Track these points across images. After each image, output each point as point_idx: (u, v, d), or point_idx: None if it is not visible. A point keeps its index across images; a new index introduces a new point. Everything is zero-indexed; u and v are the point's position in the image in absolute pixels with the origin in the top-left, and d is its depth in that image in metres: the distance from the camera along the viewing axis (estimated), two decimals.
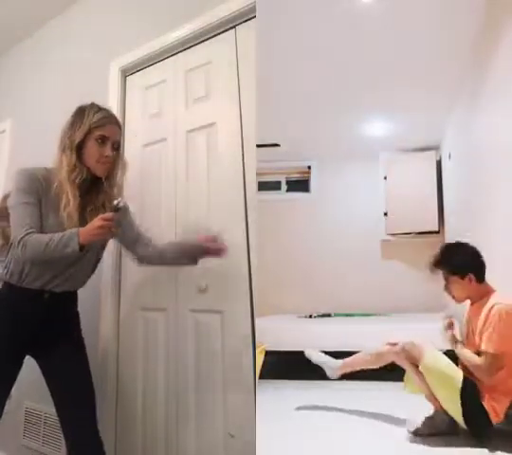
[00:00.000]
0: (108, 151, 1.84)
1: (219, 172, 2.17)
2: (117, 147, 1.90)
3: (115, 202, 1.74)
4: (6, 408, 1.83)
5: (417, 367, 2.22)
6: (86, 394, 1.88)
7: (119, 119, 2.52)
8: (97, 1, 3.00)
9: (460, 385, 2.07)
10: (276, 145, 5.08)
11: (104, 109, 1.88)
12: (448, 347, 2.29)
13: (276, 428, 2.31)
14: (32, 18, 3.30)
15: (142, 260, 2.08)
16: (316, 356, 2.78)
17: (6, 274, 1.86)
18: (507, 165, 2.36)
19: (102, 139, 1.83)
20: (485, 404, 2.05)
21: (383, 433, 2.24)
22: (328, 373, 2.68)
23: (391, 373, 2.56)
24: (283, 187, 5.84)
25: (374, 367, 2.58)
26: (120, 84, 2.64)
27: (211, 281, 2.11)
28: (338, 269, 5.39)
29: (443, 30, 2.95)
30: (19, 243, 1.71)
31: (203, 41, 2.33)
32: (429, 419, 2.19)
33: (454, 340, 2.24)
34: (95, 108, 1.86)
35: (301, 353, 3.60)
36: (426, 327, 3.56)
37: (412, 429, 2.19)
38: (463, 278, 2.21)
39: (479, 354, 2.10)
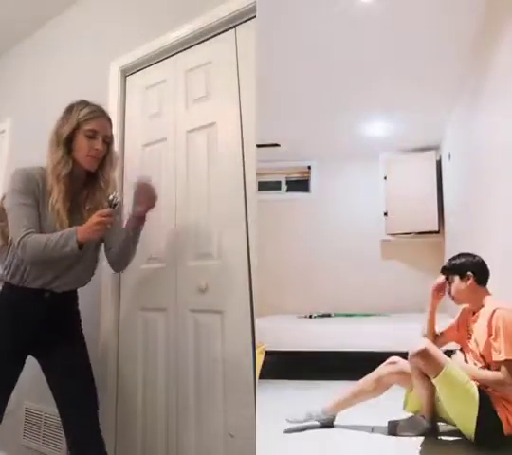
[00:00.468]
0: (98, 144, 1.85)
1: (219, 173, 2.17)
2: (109, 141, 1.90)
3: (110, 197, 1.75)
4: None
5: (427, 378, 2.12)
6: (88, 394, 1.88)
7: (118, 118, 2.55)
8: (97, 1, 3.00)
9: (477, 398, 1.99)
10: (276, 145, 5.09)
11: (93, 105, 1.89)
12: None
13: (276, 428, 2.31)
14: (32, 18, 3.30)
15: (113, 265, 2.04)
16: (303, 417, 2.36)
17: (6, 274, 1.86)
18: (507, 165, 2.36)
19: (92, 133, 1.84)
20: (499, 414, 1.99)
21: (383, 433, 2.24)
22: (322, 423, 2.35)
23: None
24: (283, 187, 5.84)
25: (375, 397, 2.34)
26: (120, 84, 2.64)
27: (211, 281, 2.11)
28: (338, 269, 5.39)
29: (443, 30, 2.95)
30: (18, 244, 1.71)
31: (203, 41, 2.33)
32: (407, 420, 2.18)
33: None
34: (83, 104, 1.87)
35: (302, 353, 3.61)
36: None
37: (393, 431, 2.18)
38: (462, 277, 2.22)
39: (485, 364, 2.08)
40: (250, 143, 2.09)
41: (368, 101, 4.09)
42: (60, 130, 1.84)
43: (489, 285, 2.29)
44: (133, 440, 2.27)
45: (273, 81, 3.60)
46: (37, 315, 1.85)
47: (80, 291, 2.02)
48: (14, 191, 1.78)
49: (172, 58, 2.46)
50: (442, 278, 2.34)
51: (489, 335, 2.04)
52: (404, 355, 2.25)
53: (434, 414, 2.20)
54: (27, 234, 1.71)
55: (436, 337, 2.35)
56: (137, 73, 2.63)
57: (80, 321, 2.01)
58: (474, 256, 2.27)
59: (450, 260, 2.32)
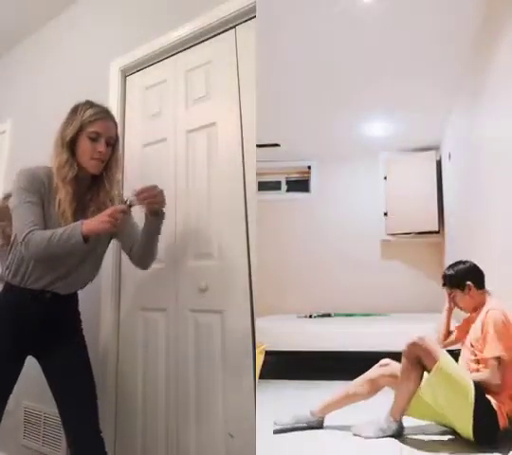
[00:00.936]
0: (101, 147, 1.82)
1: (219, 173, 2.17)
2: (113, 143, 1.88)
3: (126, 199, 1.74)
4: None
5: (423, 369, 2.15)
6: (88, 394, 1.88)
7: (118, 118, 2.55)
8: (97, 1, 3.00)
9: (473, 391, 2.01)
10: (276, 145, 5.08)
11: (98, 105, 1.86)
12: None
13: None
14: (32, 18, 3.30)
15: (140, 262, 2.04)
16: (291, 421, 2.33)
17: (8, 275, 1.85)
18: (507, 165, 2.36)
19: (95, 136, 1.81)
20: (495, 407, 2.02)
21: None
22: (311, 425, 2.33)
23: None
24: (283, 187, 5.84)
25: (365, 399, 2.33)
26: (120, 84, 2.64)
27: (211, 281, 2.11)
28: (338, 269, 5.39)
29: (443, 30, 2.95)
30: (23, 241, 1.69)
31: (203, 41, 2.33)
32: (376, 423, 2.18)
33: None
34: (87, 105, 1.84)
35: (302, 353, 3.61)
36: (426, 327, 3.57)
37: (358, 432, 2.18)
38: (463, 289, 2.28)
39: (477, 361, 2.13)
40: (250, 143, 2.09)
41: (368, 101, 4.09)
42: (64, 132, 1.82)
43: (489, 285, 2.31)
44: (133, 440, 2.27)
45: (273, 81, 3.60)
46: (38, 315, 1.85)
47: (80, 291, 2.01)
48: (20, 189, 1.77)
49: (172, 58, 2.46)
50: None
51: (481, 333, 2.12)
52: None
53: (402, 415, 2.20)
54: (31, 231, 1.69)
55: (447, 337, 2.41)
56: (137, 73, 2.63)
57: (80, 322, 2.01)
58: (465, 263, 2.34)
59: (445, 274, 2.37)
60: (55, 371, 1.90)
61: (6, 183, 3.21)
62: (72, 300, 1.98)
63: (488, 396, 2.04)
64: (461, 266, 2.32)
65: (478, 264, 2.34)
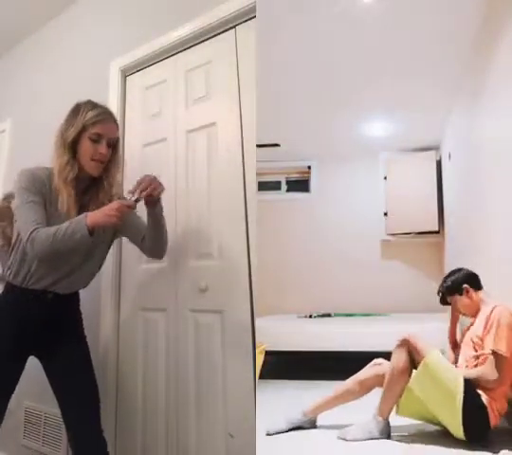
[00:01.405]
0: (103, 148, 1.82)
1: (219, 173, 2.17)
2: (114, 144, 1.88)
3: (134, 197, 1.74)
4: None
5: (413, 366, 2.17)
6: (90, 394, 1.88)
7: (118, 118, 2.54)
8: (97, 1, 3.00)
9: (462, 388, 2.02)
10: (276, 145, 5.08)
11: (100, 106, 1.86)
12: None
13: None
14: (32, 18, 3.30)
15: (153, 253, 2.04)
16: (284, 425, 2.31)
17: (9, 275, 1.85)
18: (507, 165, 2.36)
19: (97, 137, 1.81)
20: (487, 404, 2.03)
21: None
22: (304, 426, 2.32)
23: None
24: (283, 187, 5.84)
25: (357, 398, 2.34)
26: (120, 84, 2.64)
27: (211, 281, 2.11)
28: (338, 269, 5.39)
29: (443, 30, 2.95)
30: (27, 239, 1.68)
31: (203, 41, 2.33)
32: (362, 425, 2.18)
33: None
34: (89, 106, 1.83)
35: (302, 353, 3.61)
36: (426, 327, 3.57)
37: (343, 435, 2.17)
38: (461, 293, 2.31)
39: (477, 357, 2.13)
40: (250, 143, 2.09)
41: (368, 101, 4.09)
42: (65, 133, 1.81)
43: (489, 286, 2.32)
44: (133, 440, 2.27)
45: (273, 82, 3.60)
46: (39, 316, 1.85)
47: (80, 291, 2.01)
48: (21, 189, 1.76)
49: (172, 58, 2.46)
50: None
51: (484, 328, 2.12)
52: None
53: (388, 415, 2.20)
54: (36, 229, 1.68)
55: (456, 345, 2.43)
56: (137, 73, 2.63)
57: (82, 322, 2.01)
58: (460, 270, 2.39)
59: (443, 284, 2.40)
60: (57, 370, 1.90)
61: (5, 183, 3.21)
62: (74, 299, 1.98)
63: (481, 393, 2.04)
64: (455, 275, 2.36)
65: (478, 265, 2.38)
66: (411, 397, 2.19)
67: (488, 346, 2.07)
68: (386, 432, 2.16)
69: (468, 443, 2.01)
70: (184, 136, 2.33)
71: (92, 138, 1.80)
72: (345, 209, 5.55)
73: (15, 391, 1.86)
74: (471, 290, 2.29)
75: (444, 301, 2.41)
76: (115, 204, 1.69)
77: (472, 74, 3.19)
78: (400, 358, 2.18)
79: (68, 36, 3.15)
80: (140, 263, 2.39)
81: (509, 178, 2.33)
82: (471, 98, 3.22)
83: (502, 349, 2.02)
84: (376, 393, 2.28)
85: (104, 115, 1.84)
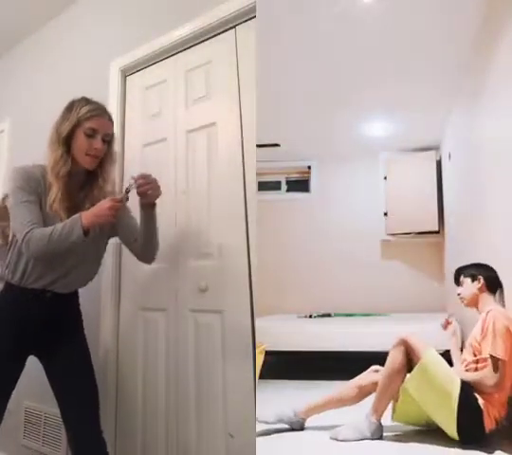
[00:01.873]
0: (98, 143, 1.82)
1: (219, 173, 2.17)
2: (109, 140, 1.88)
3: (127, 187, 1.75)
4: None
5: (409, 367, 2.16)
6: (90, 394, 1.88)
7: (118, 118, 2.55)
8: (97, 1, 3.00)
9: (459, 390, 2.01)
10: (276, 145, 5.08)
11: (94, 102, 1.87)
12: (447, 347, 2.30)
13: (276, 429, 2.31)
14: (32, 18, 3.30)
15: (144, 257, 2.04)
16: (273, 418, 2.30)
17: (7, 274, 1.85)
18: (507, 165, 2.36)
19: (92, 132, 1.81)
20: (483, 408, 2.02)
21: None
22: (293, 426, 2.32)
23: None
24: (283, 187, 5.84)
25: (353, 404, 2.31)
26: (120, 84, 2.64)
27: (211, 281, 2.11)
28: (338, 269, 5.39)
29: (443, 30, 2.95)
30: (23, 240, 1.69)
31: (203, 41, 2.33)
32: (354, 425, 2.17)
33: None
34: (83, 101, 1.85)
35: (302, 353, 3.61)
36: (426, 327, 3.57)
37: (334, 435, 2.16)
38: (473, 280, 2.29)
39: (477, 361, 2.12)
40: (250, 143, 2.09)
41: (368, 101, 4.09)
42: (60, 128, 1.82)
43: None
44: (133, 440, 2.27)
45: (273, 81, 3.60)
46: (39, 315, 1.85)
47: (80, 291, 2.01)
48: (16, 188, 1.77)
49: (172, 58, 2.46)
50: (445, 318, 2.45)
51: (481, 333, 2.11)
52: None
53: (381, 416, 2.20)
54: (31, 229, 1.69)
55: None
56: (137, 73, 2.63)
57: (81, 321, 2.01)
58: (488, 266, 2.34)
59: (466, 265, 2.40)
60: (57, 370, 1.90)
61: (5, 183, 3.21)
62: (73, 299, 1.98)
63: (478, 396, 2.03)
64: (483, 267, 2.34)
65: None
66: (406, 403, 2.18)
67: (486, 351, 2.06)
68: (378, 433, 2.16)
69: (463, 444, 2.01)
70: (184, 136, 2.33)
71: (87, 133, 1.81)
72: (345, 209, 5.55)
73: (15, 391, 1.86)
74: (483, 285, 2.26)
75: (457, 281, 2.39)
76: (106, 202, 1.70)
77: (472, 74, 3.19)
78: (397, 358, 2.18)
79: (68, 36, 3.15)
80: (140, 264, 2.38)
81: (509, 178, 2.33)
82: (471, 98, 3.22)
83: (500, 353, 2.01)
84: (370, 396, 2.29)
85: (98, 110, 1.85)
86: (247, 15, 2.15)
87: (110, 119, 1.90)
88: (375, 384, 2.24)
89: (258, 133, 2.09)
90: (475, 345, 2.16)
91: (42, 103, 3.19)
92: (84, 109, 1.81)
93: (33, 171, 1.81)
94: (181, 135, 2.34)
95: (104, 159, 1.90)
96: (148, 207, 1.88)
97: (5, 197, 1.88)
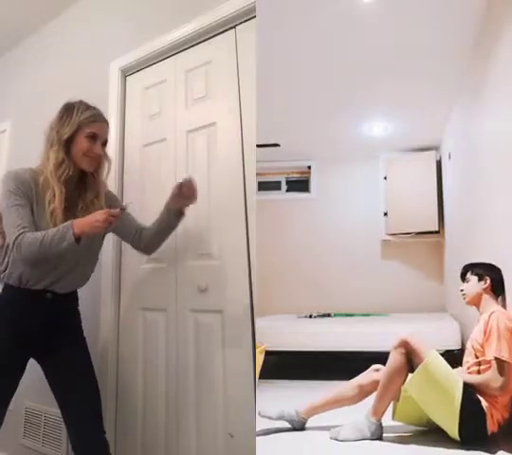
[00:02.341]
0: (98, 148, 1.87)
1: (219, 173, 2.17)
2: (104, 144, 1.92)
3: (124, 204, 1.82)
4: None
5: (410, 368, 2.16)
6: (92, 395, 1.88)
7: (118, 118, 2.55)
8: (97, 1, 3.00)
9: (461, 392, 2.01)
10: (276, 145, 5.08)
11: (93, 107, 1.91)
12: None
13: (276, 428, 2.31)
14: (32, 18, 3.30)
15: (147, 250, 2.12)
16: (275, 414, 2.33)
17: (6, 276, 1.85)
18: (507, 165, 2.36)
19: (93, 136, 1.85)
20: (486, 411, 2.01)
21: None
22: (293, 425, 2.33)
23: None
24: (283, 187, 5.85)
25: (354, 403, 2.32)
26: (120, 84, 2.64)
27: (211, 281, 2.11)
28: (338, 269, 5.40)
29: (443, 30, 2.95)
30: (13, 244, 1.70)
31: (203, 41, 2.33)
32: (354, 425, 2.17)
33: None
34: (84, 105, 1.88)
35: (302, 353, 3.62)
36: (426, 327, 3.57)
37: (334, 435, 2.17)
38: (479, 279, 2.30)
39: (479, 364, 2.12)
40: (250, 143, 2.09)
41: (368, 101, 4.09)
42: (61, 131, 1.83)
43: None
44: (133, 440, 2.27)
45: (273, 82, 3.60)
46: (39, 316, 1.84)
47: (80, 291, 2.01)
48: (7, 192, 1.78)
49: (172, 58, 2.46)
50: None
51: (484, 335, 2.10)
52: None
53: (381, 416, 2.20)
54: (21, 233, 1.69)
55: None
56: (137, 73, 2.62)
57: (81, 322, 2.01)
58: (498, 268, 2.35)
59: (476, 263, 2.41)
60: (57, 372, 1.89)
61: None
62: (73, 300, 1.98)
63: (481, 399, 2.02)
64: (494, 269, 2.34)
65: None
66: (407, 402, 2.19)
67: (490, 353, 2.04)
68: (378, 433, 2.16)
69: (464, 446, 2.01)
70: (184, 136, 2.33)
71: (88, 137, 1.84)
72: (345, 208, 5.56)
73: (16, 392, 1.85)
74: (489, 287, 2.27)
75: (463, 277, 2.40)
76: (101, 215, 1.70)
77: (472, 74, 3.19)
78: (397, 359, 2.17)
79: (68, 36, 3.15)
80: (140, 264, 2.39)
81: (509, 178, 2.33)
82: (471, 97, 3.22)
83: (505, 355, 2.00)
84: (370, 396, 2.29)
85: (99, 116, 1.90)
86: (247, 15, 2.15)
87: (108, 125, 1.95)
88: (376, 383, 2.23)
89: (258, 133, 2.09)
90: (477, 347, 2.14)
91: (42, 103, 3.19)
92: (86, 113, 1.85)
93: (24, 175, 1.82)
94: (181, 135, 2.34)
95: (100, 161, 1.93)
96: (176, 212, 2.00)
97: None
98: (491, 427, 2.02)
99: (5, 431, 1.81)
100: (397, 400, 2.24)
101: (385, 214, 5.33)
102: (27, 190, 1.79)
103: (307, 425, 2.34)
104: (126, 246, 2.46)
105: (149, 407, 2.24)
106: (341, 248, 5.43)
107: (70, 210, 1.84)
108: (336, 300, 5.17)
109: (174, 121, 2.38)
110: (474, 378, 2.09)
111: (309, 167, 5.77)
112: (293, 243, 5.55)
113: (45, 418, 2.60)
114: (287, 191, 5.84)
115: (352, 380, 2.35)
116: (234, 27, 2.21)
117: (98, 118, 1.88)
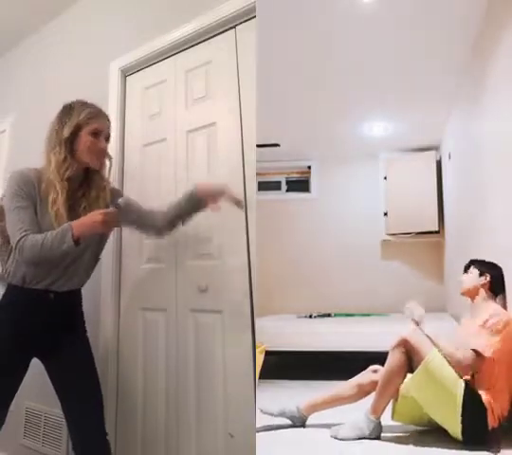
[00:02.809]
0: (103, 144, 1.87)
1: (219, 172, 2.17)
2: (107, 139, 1.92)
3: (120, 202, 1.79)
4: None
5: (409, 366, 2.17)
6: (94, 395, 1.88)
7: (118, 118, 2.55)
8: (97, 1, 3.00)
9: (462, 390, 2.02)
10: (276, 145, 5.08)
11: (93, 105, 1.91)
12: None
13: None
14: (32, 18, 3.30)
15: (161, 232, 2.10)
16: (276, 411, 2.37)
17: (7, 276, 1.85)
18: (507, 165, 2.36)
19: (95, 132, 1.85)
20: (487, 406, 2.02)
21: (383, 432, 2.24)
22: (294, 421, 2.35)
23: None
24: (283, 187, 5.84)
25: (353, 402, 2.34)
26: (120, 84, 2.64)
27: (211, 281, 2.11)
28: (338, 269, 5.39)
29: (443, 31, 2.95)
30: (16, 247, 1.71)
31: (203, 41, 2.33)
32: (353, 423, 2.18)
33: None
34: (83, 105, 1.88)
35: (302, 353, 3.62)
36: (426, 327, 3.56)
37: (334, 434, 2.18)
38: (480, 274, 2.32)
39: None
40: (250, 143, 2.09)
41: (368, 102, 4.09)
42: (61, 130, 1.83)
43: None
44: (133, 439, 2.27)
45: (273, 82, 3.60)
46: (41, 316, 1.84)
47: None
48: (11, 194, 1.78)
49: (172, 58, 2.46)
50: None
51: (483, 324, 2.12)
52: None
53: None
54: (23, 236, 1.70)
55: None
56: (137, 73, 2.63)
57: (84, 322, 2.01)
58: (500, 268, 2.35)
59: (481, 260, 2.42)
60: (60, 369, 1.90)
61: (5, 183, 3.20)
62: (76, 299, 1.99)
63: (482, 393, 2.04)
64: (496, 268, 2.35)
65: None
66: (407, 402, 2.19)
67: (477, 345, 2.07)
68: (377, 431, 2.17)
69: (466, 444, 2.01)
70: (184, 136, 2.33)
71: (92, 134, 1.84)
72: (345, 208, 5.55)
73: (17, 391, 1.85)
74: (487, 283, 2.29)
75: (466, 269, 2.42)
76: (98, 216, 1.70)
77: (472, 74, 3.19)
78: (397, 357, 2.18)
79: (68, 36, 3.15)
80: (140, 263, 2.39)
81: (509, 178, 2.33)
82: (471, 98, 3.22)
83: (487, 353, 2.03)
84: (369, 396, 2.29)
85: (99, 112, 1.90)
86: (247, 15, 2.15)
87: (109, 120, 1.95)
88: (375, 383, 2.24)
89: (258, 133, 2.09)
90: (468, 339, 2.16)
91: (43, 103, 3.19)
92: (86, 111, 1.85)
93: (28, 175, 1.82)
94: (181, 135, 2.34)
95: (105, 157, 1.93)
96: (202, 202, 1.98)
97: (3, 197, 1.88)
98: (492, 422, 2.02)
99: (5, 431, 1.81)
100: (396, 400, 2.24)
101: (385, 214, 5.33)
102: (31, 189, 1.80)
103: (308, 422, 2.35)
104: (126, 246, 2.46)
105: (149, 406, 2.24)
106: (341, 248, 5.42)
107: (74, 210, 1.84)
108: (336, 300, 5.17)
109: (174, 121, 2.38)
110: (447, 348, 2.11)
111: (309, 167, 5.76)
112: (293, 243, 5.55)
113: (45, 418, 2.60)
114: (287, 191, 5.84)
115: (351, 380, 2.36)
116: (234, 27, 2.21)
117: (98, 115, 1.88)
